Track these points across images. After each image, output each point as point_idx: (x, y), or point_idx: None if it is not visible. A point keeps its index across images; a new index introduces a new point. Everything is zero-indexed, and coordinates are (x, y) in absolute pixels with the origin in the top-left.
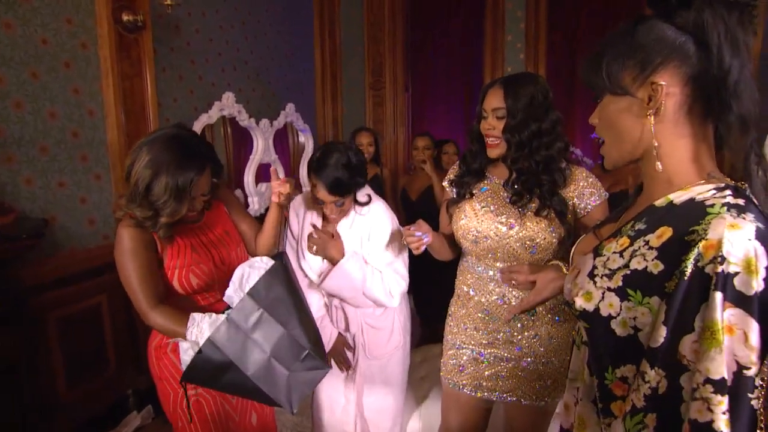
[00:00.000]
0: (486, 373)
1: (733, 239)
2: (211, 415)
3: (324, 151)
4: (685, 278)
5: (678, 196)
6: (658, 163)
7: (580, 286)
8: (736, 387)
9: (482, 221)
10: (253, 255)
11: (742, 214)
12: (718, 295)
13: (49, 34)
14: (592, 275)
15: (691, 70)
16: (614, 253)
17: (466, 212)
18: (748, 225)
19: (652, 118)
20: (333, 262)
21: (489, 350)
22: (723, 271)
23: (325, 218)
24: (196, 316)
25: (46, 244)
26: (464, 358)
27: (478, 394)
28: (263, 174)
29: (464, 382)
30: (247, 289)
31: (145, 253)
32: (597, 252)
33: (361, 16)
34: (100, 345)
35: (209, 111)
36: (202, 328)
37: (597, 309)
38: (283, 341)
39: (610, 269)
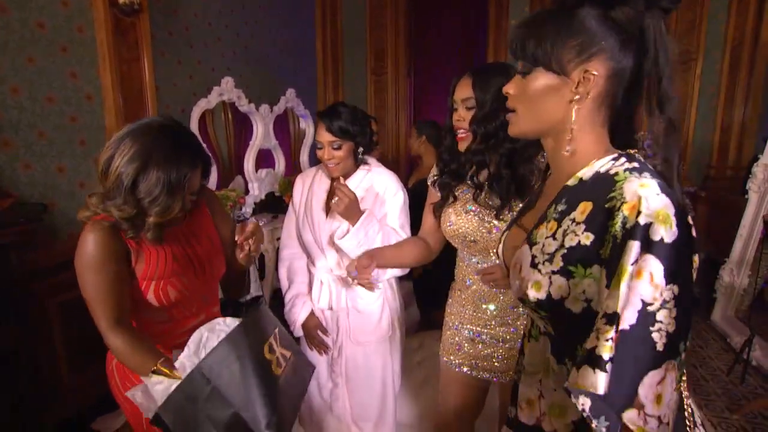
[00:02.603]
0: (483, 353)
1: (647, 195)
2: None
3: (334, 103)
4: (617, 241)
5: (585, 173)
6: (569, 147)
7: (527, 278)
8: (639, 322)
9: (467, 226)
10: (228, 265)
11: (643, 174)
12: (635, 244)
13: (45, 17)
14: (534, 264)
15: (616, 66)
16: (547, 238)
17: (451, 218)
18: (652, 182)
19: (576, 103)
20: (351, 222)
21: (486, 331)
22: (639, 223)
23: (331, 191)
24: (144, 382)
25: (45, 229)
26: (462, 337)
27: (475, 374)
28: (263, 159)
29: (461, 361)
30: (202, 356)
31: (112, 267)
32: (531, 241)
33: (364, 0)
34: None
35: (208, 96)
36: (154, 392)
37: (549, 295)
38: (235, 422)
39: (548, 254)
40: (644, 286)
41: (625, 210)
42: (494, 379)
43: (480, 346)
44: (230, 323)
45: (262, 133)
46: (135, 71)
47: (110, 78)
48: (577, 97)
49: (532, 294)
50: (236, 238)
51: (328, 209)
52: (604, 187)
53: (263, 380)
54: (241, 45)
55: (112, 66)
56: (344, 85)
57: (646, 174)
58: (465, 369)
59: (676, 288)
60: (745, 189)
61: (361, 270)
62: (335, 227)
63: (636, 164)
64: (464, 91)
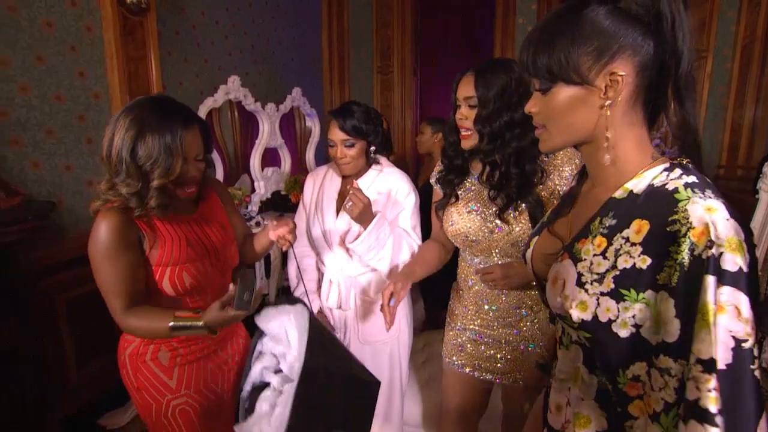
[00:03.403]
0: (485, 354)
1: (716, 222)
2: (199, 419)
3: (347, 102)
4: (686, 269)
5: (635, 185)
6: (608, 155)
7: (572, 297)
8: (737, 362)
9: (469, 225)
10: (241, 256)
11: (706, 192)
12: (711, 279)
13: (53, 16)
14: (580, 283)
15: (643, 60)
16: (595, 255)
17: (453, 217)
18: (719, 204)
19: (608, 110)
20: (364, 226)
21: (488, 332)
22: (713, 254)
23: (342, 190)
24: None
25: (53, 226)
26: (464, 338)
27: (477, 374)
28: (269, 158)
29: (463, 361)
30: (296, 346)
31: (126, 253)
32: (575, 256)
33: None
34: (107, 326)
35: (215, 94)
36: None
37: (595, 317)
38: (350, 380)
39: (598, 273)
40: (732, 322)
41: (693, 236)
42: (497, 380)
43: (483, 347)
44: (290, 306)
45: (268, 132)
46: (142, 70)
47: (118, 76)
48: (608, 102)
49: (576, 314)
50: (271, 233)
51: (338, 208)
52: (663, 205)
53: (340, 343)
54: (247, 44)
55: (119, 65)
56: (350, 84)
57: (709, 192)
58: (468, 370)
59: (752, 315)
60: (756, 189)
61: (397, 294)
62: (346, 226)
63: (694, 177)
64: (467, 89)
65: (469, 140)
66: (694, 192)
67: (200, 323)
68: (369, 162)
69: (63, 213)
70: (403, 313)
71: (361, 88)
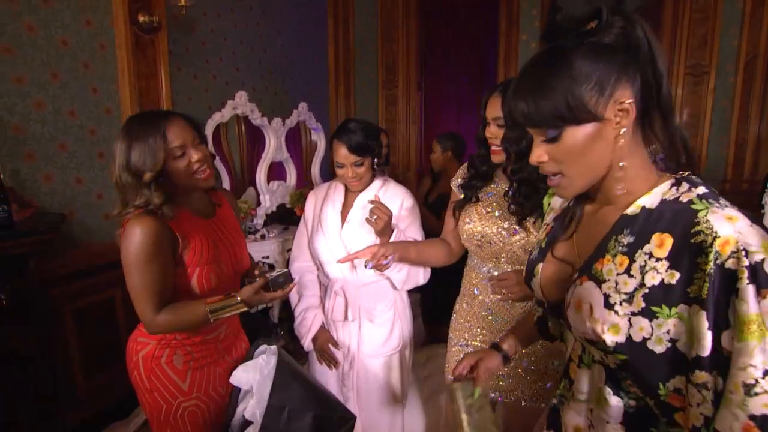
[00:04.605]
0: None
1: (742, 230)
2: (205, 420)
3: (344, 121)
4: (713, 280)
5: (648, 201)
6: (620, 186)
7: (603, 321)
8: None
9: (486, 226)
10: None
11: (721, 202)
12: (750, 288)
13: (69, 35)
14: (609, 305)
15: (636, 84)
16: (619, 274)
17: (471, 216)
18: (737, 213)
19: (622, 138)
20: (383, 239)
21: None
22: (750, 263)
23: (346, 202)
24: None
25: (64, 238)
26: None
27: None
28: (275, 172)
29: None
30: (266, 395)
31: (161, 257)
32: (596, 278)
33: (375, 14)
34: (114, 337)
35: (222, 110)
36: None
37: (629, 337)
38: (316, 422)
39: (626, 293)
40: None
41: (718, 246)
42: (499, 398)
43: None
44: (266, 357)
45: (274, 146)
46: (153, 86)
47: (128, 92)
48: (623, 130)
49: (610, 338)
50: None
51: (343, 220)
52: (682, 217)
53: (313, 384)
54: (254, 59)
55: (131, 81)
56: (355, 98)
57: (724, 201)
58: None
59: None
60: (761, 203)
61: (376, 258)
62: (351, 237)
63: (704, 189)
64: (494, 110)
65: (499, 155)
66: (710, 202)
67: (237, 299)
68: (373, 174)
69: (73, 225)
70: (405, 326)
71: (366, 103)
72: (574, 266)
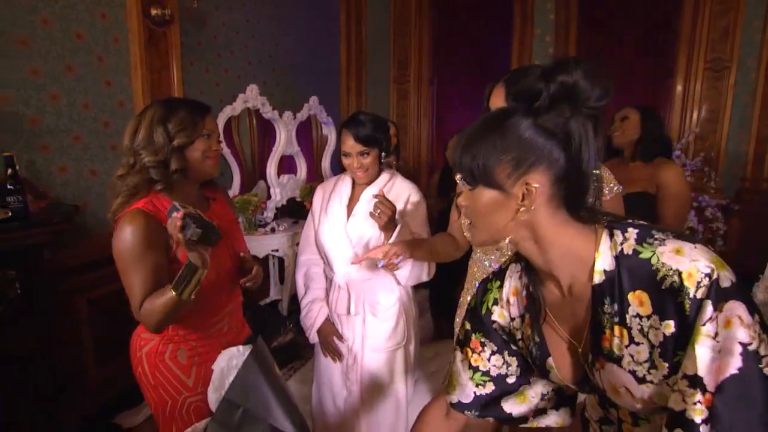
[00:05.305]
0: None
1: (693, 256)
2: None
3: (354, 113)
4: (693, 315)
5: (604, 264)
6: (551, 251)
7: (647, 396)
8: (747, 365)
9: None
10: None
11: (657, 237)
12: (708, 304)
13: (83, 28)
14: (641, 380)
15: (557, 172)
16: (627, 346)
17: None
18: (675, 240)
19: (523, 216)
20: (387, 234)
21: None
22: (713, 281)
23: (352, 196)
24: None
25: (77, 229)
26: None
27: None
28: (286, 165)
29: None
30: (226, 386)
31: (153, 254)
32: (613, 358)
33: (388, 10)
34: (125, 327)
35: (234, 103)
36: None
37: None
38: None
39: (646, 361)
40: (739, 332)
41: (686, 281)
42: None
43: None
44: (243, 351)
45: (284, 140)
46: (165, 79)
47: (141, 85)
48: (523, 209)
49: (674, 405)
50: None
51: (349, 213)
52: (640, 272)
53: (283, 392)
54: (266, 53)
55: (143, 74)
56: (367, 93)
57: (655, 233)
58: None
59: (757, 316)
60: None
61: (388, 257)
62: (356, 231)
63: (633, 230)
64: (497, 100)
65: None
66: (649, 243)
67: (190, 265)
68: (381, 168)
69: (87, 216)
70: (411, 321)
71: (378, 98)
72: (578, 349)
